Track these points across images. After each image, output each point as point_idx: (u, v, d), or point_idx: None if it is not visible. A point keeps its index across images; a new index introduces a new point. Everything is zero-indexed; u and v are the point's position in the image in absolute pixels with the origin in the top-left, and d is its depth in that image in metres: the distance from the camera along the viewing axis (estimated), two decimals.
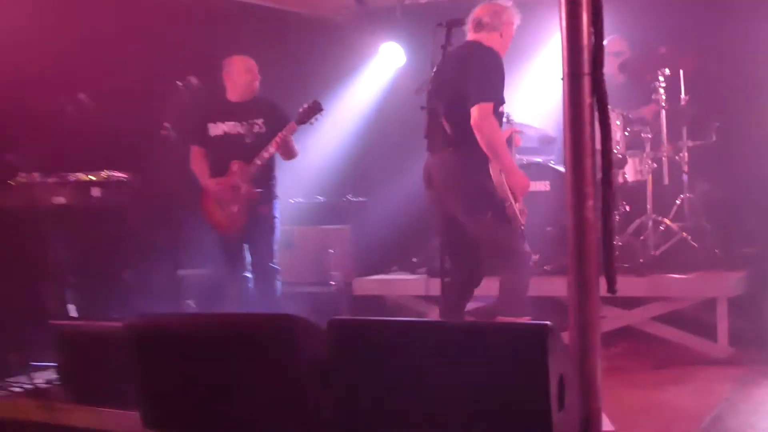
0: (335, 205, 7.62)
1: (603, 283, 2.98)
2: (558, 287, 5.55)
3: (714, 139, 6.21)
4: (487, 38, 4.73)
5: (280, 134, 5.78)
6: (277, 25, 7.73)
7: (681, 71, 6.19)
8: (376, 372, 2.39)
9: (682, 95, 6.21)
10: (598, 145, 2.92)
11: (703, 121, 6.23)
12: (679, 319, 5.39)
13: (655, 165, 5.99)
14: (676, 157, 6.28)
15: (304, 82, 7.62)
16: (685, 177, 6.24)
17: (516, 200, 4.62)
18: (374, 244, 7.30)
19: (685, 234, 5.85)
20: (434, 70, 4.74)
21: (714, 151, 6.26)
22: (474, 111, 4.44)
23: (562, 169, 5.92)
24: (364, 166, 8.03)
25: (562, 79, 2.99)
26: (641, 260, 5.59)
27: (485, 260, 4.84)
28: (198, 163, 6.09)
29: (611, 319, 5.40)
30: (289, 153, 5.94)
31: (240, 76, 6.00)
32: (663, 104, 5.92)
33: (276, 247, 6.14)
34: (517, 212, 4.62)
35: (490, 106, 4.49)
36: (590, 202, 3.01)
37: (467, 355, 2.32)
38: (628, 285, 5.34)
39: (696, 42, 6.40)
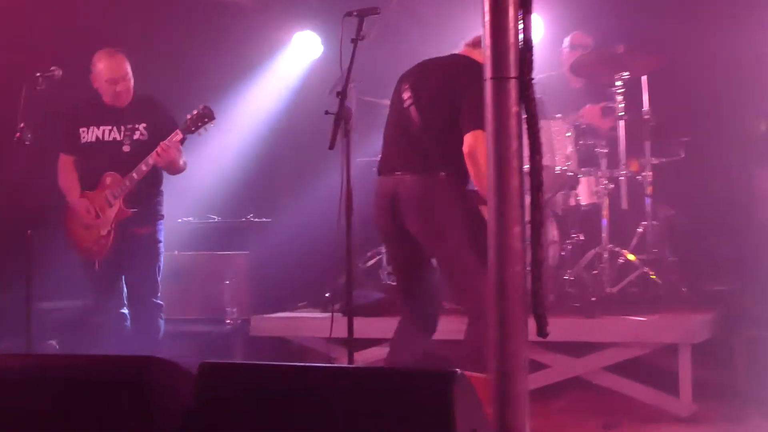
0: (233, 226, 7.65)
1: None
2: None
3: (682, 156, 6.44)
4: (479, 56, 4.88)
5: (162, 144, 5.80)
6: (170, 8, 7.77)
7: (643, 77, 6.41)
8: (249, 422, 2.45)
9: (645, 104, 6.43)
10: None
11: (669, 134, 6.46)
12: (636, 370, 5.55)
13: (612, 186, 6.17)
14: (638, 177, 6.48)
15: (203, 77, 7.67)
16: (648, 200, 6.45)
17: None
18: (279, 275, 7.34)
19: (646, 269, 6.04)
20: (409, 76, 4.90)
21: (682, 170, 6.50)
22: (469, 138, 4.58)
23: None
24: (269, 181, 8.10)
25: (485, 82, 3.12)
26: (593, 299, 5.75)
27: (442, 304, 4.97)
28: (66, 175, 6.09)
29: (556, 368, 5.54)
30: (172, 166, 5.95)
31: (104, 74, 5.99)
32: (621, 113, 6.11)
33: (159, 277, 6.14)
34: None
35: (483, 135, 4.61)
36: (516, 229, 3.11)
37: (358, 404, 2.40)
38: (576, 328, 5.50)
39: (663, 42, 6.66)
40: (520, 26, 3.09)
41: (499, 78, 3.11)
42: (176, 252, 7.31)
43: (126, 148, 5.96)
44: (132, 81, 6.08)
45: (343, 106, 4.06)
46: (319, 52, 8.16)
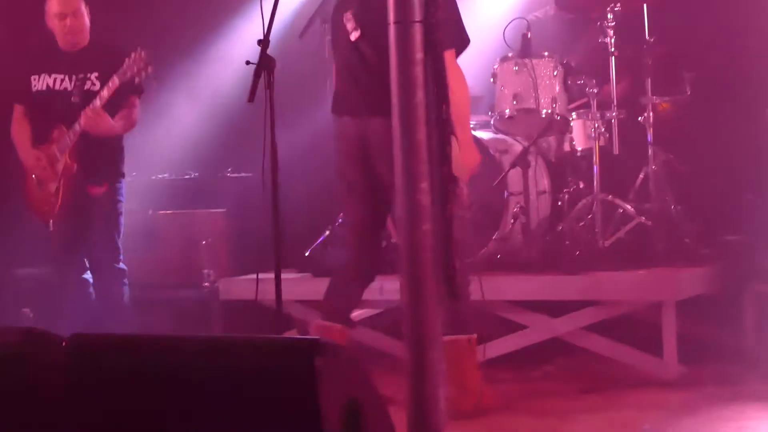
0: (210, 182, 7.70)
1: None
2: (521, 287, 5.75)
3: (688, 93, 6.40)
4: None
5: (86, 109, 5.81)
6: None
7: (644, 5, 6.37)
8: (119, 394, 2.56)
9: (646, 36, 6.39)
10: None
11: (672, 70, 6.42)
12: (623, 330, 5.59)
13: (603, 129, 6.16)
14: (639, 119, 6.46)
15: (172, 19, 7.75)
16: (649, 144, 6.43)
17: (465, 181, 4.77)
18: (259, 234, 7.40)
19: (643, 219, 6.05)
20: (354, 5, 4.81)
21: (686, 109, 6.47)
22: None
23: (480, 135, 6.12)
24: (246, 133, 8.14)
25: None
26: (578, 253, 5.78)
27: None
28: (17, 126, 6.18)
29: (533, 328, 5.61)
30: (103, 128, 5.93)
31: (53, 8, 6.02)
32: (612, 50, 6.09)
33: (119, 240, 6.22)
34: (465, 194, 4.78)
35: (454, 53, 4.63)
36: (423, 184, 3.17)
37: (226, 374, 2.50)
38: (555, 286, 5.55)
39: None
40: None
41: (402, 22, 3.15)
42: (150, 211, 7.41)
43: (75, 99, 5.95)
44: (86, 20, 6.07)
45: (265, 55, 4.08)
46: None
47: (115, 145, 6.15)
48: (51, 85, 6.06)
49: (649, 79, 6.45)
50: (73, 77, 6.01)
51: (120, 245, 6.21)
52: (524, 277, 5.72)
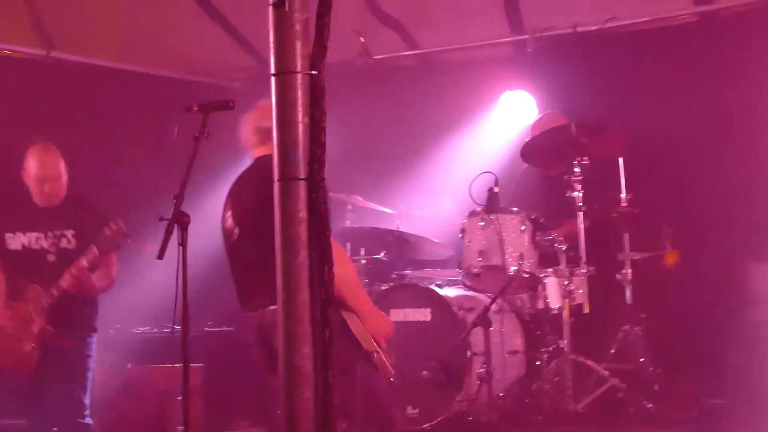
0: (190, 336, 7.69)
1: None
2: None
3: (668, 249, 6.33)
4: None
5: (70, 272, 5.81)
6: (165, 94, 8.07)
7: (620, 159, 6.35)
8: None
9: (622, 190, 6.35)
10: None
11: (651, 226, 6.36)
12: None
13: (572, 287, 6.06)
14: (617, 276, 6.38)
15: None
16: (628, 301, 6.33)
17: (382, 348, 4.71)
18: (234, 389, 7.40)
19: (617, 381, 5.90)
20: (227, 200, 4.85)
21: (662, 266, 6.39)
22: None
23: (444, 293, 6.06)
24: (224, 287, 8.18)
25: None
26: (540, 417, 5.64)
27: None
28: None
29: None
30: (86, 289, 5.94)
31: (33, 172, 6.09)
32: (580, 204, 6.04)
33: (86, 396, 6.18)
34: (386, 362, 4.70)
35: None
36: (305, 349, 3.10)
37: None
38: None
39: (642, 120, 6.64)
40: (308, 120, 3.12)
41: (287, 180, 3.11)
42: (129, 365, 7.39)
43: (51, 258, 6.00)
44: (64, 180, 6.15)
45: (179, 212, 4.05)
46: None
47: (90, 303, 6.14)
48: (26, 243, 6.10)
49: (627, 235, 6.39)
50: (49, 234, 6.05)
51: (85, 401, 6.16)
52: None
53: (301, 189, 3.07)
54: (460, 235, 6.24)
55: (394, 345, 6.07)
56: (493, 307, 6.34)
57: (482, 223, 6.07)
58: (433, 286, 6.25)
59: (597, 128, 6.27)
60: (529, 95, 8.08)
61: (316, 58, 3.11)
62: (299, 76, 3.11)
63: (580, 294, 6.25)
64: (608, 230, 6.50)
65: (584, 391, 5.98)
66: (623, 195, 6.37)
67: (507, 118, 7.98)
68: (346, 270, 4.58)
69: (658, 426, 5.80)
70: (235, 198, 4.87)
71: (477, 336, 5.89)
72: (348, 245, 7.13)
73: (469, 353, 5.82)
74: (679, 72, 7.13)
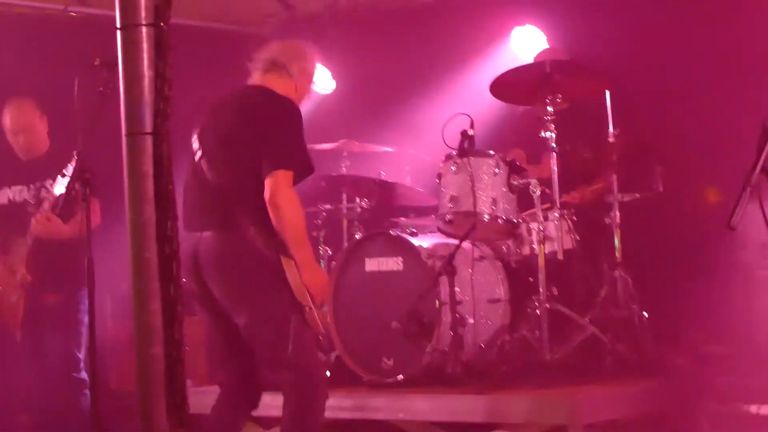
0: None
1: None
2: (418, 408, 5.71)
3: (660, 190, 6.25)
4: (279, 85, 4.98)
5: (36, 215, 6.03)
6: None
7: (607, 93, 6.29)
8: None
9: (611, 128, 6.29)
10: None
11: (641, 164, 6.30)
12: None
13: (545, 233, 6.05)
14: (606, 220, 6.34)
15: None
16: (617, 246, 6.30)
17: (315, 305, 4.80)
18: None
19: (596, 330, 5.90)
20: (199, 123, 5.01)
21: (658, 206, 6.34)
22: (269, 181, 4.66)
23: (418, 242, 6.10)
24: None
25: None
26: (504, 368, 5.68)
27: (265, 374, 5.02)
28: None
29: None
30: (55, 233, 6.14)
31: (7, 126, 6.36)
32: (553, 145, 6.01)
33: (80, 351, 6.40)
34: (317, 319, 4.80)
35: (290, 175, 4.70)
36: (154, 305, 3.20)
37: None
38: (454, 406, 5.56)
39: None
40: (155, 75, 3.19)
41: (133, 134, 3.19)
42: None
43: (31, 209, 6.26)
44: (41, 131, 6.38)
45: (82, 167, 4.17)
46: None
47: (70, 253, 6.30)
48: (11, 197, 6.38)
49: (615, 176, 6.34)
50: (31, 187, 6.28)
51: (80, 355, 6.38)
52: (426, 396, 5.67)
53: (147, 144, 3.15)
54: (437, 180, 6.25)
55: (367, 295, 6.24)
56: (476, 254, 6.39)
57: (454, 168, 6.07)
58: (405, 234, 6.28)
59: (572, 66, 6.22)
60: (539, 31, 8.03)
61: (161, 9, 3.17)
62: (144, 29, 3.16)
63: (576, 239, 6.26)
64: (594, 172, 6.48)
65: (564, 341, 5.98)
66: (610, 130, 6.30)
67: (517, 56, 7.93)
68: (294, 218, 4.69)
69: (633, 375, 5.80)
70: (206, 122, 5.04)
71: (454, 284, 5.92)
72: (344, 195, 7.21)
73: (437, 303, 5.86)
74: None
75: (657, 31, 7.21)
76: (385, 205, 7.27)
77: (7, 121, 6.40)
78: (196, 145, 4.96)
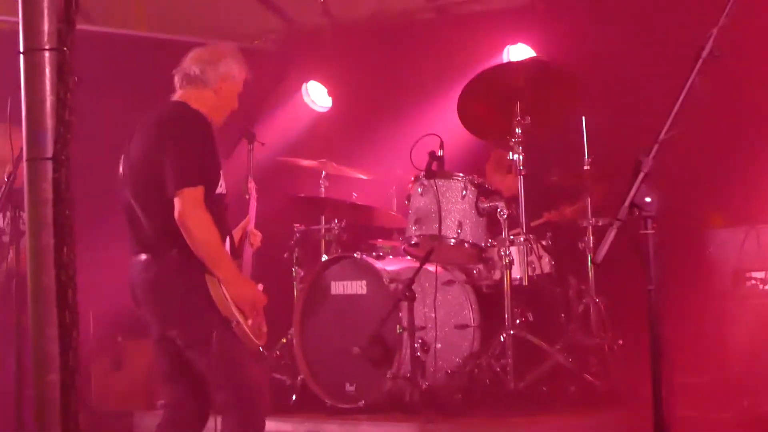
0: None
1: None
2: None
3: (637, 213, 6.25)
4: (195, 97, 4.99)
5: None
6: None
7: (582, 117, 6.32)
8: None
9: (585, 155, 6.33)
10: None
11: (615, 189, 6.32)
12: None
13: (510, 258, 6.07)
14: (580, 244, 6.37)
15: None
16: (590, 272, 6.32)
17: (247, 316, 4.84)
18: None
19: (560, 358, 5.93)
20: (126, 143, 5.04)
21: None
22: (176, 202, 4.68)
23: (383, 266, 6.15)
24: None
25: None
26: (459, 396, 5.71)
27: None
28: None
29: None
30: None
31: None
32: (520, 167, 6.06)
33: None
34: (248, 332, 4.83)
35: (199, 192, 4.73)
36: (50, 330, 3.25)
37: None
38: None
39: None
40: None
41: (33, 159, 3.26)
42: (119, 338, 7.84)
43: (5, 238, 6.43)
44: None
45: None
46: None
47: None
48: None
49: (589, 200, 6.38)
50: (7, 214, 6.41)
51: None
52: (373, 423, 5.73)
53: (48, 169, 3.22)
54: (406, 201, 6.28)
55: (333, 319, 6.28)
56: (446, 278, 6.42)
57: (420, 189, 6.11)
58: (370, 258, 6.32)
59: (542, 73, 6.29)
60: (530, 49, 8.07)
61: (63, 34, 3.24)
62: (46, 53, 3.23)
63: (550, 263, 6.30)
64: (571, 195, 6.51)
65: (531, 368, 6.00)
66: (585, 157, 6.35)
67: None
68: (206, 236, 4.70)
69: (592, 406, 5.81)
70: (129, 142, 5.02)
71: (417, 310, 5.95)
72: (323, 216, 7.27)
73: (399, 328, 5.88)
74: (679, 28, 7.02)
75: (647, 52, 7.23)
76: (363, 226, 7.33)
77: None
78: (120, 170, 5.01)
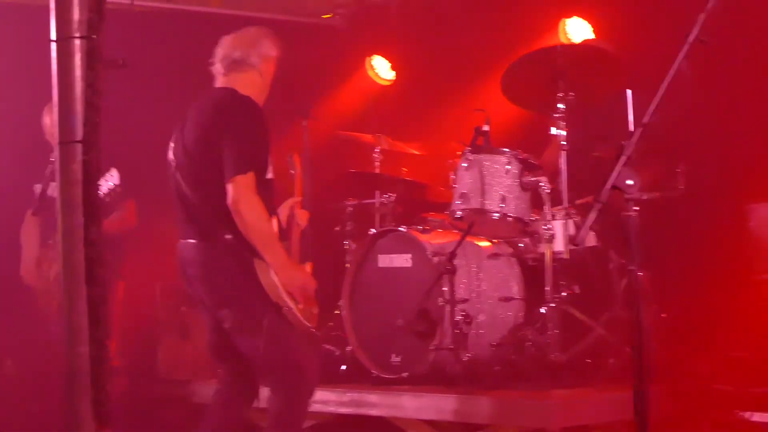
0: None
1: None
2: (406, 405, 5.91)
3: (682, 188, 6.29)
4: (242, 82, 5.14)
5: None
6: None
7: (628, 91, 6.32)
8: None
9: (630, 124, 6.33)
10: None
11: (661, 163, 6.34)
12: None
13: (552, 232, 6.13)
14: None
15: None
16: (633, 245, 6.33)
17: (298, 301, 5.00)
18: None
19: (601, 330, 5.98)
20: (173, 131, 5.24)
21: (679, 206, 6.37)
22: (229, 188, 4.87)
23: (425, 239, 6.26)
24: None
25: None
26: (497, 368, 5.80)
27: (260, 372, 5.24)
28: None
29: None
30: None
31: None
32: (563, 143, 6.10)
33: (110, 339, 6.82)
34: (300, 317, 4.99)
35: (250, 178, 4.90)
36: (81, 305, 3.42)
37: None
38: (444, 406, 5.74)
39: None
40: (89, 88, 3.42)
41: (65, 142, 3.43)
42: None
43: None
44: None
45: None
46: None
47: (111, 245, 6.61)
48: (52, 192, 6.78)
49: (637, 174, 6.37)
50: None
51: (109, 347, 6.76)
52: (414, 395, 5.87)
53: (78, 151, 3.38)
54: (452, 176, 6.38)
55: (380, 291, 6.41)
56: (492, 251, 6.51)
57: (465, 164, 6.20)
58: (415, 231, 6.43)
59: (583, 53, 6.33)
60: (586, 23, 8.09)
61: (93, 22, 3.40)
62: (77, 41, 3.39)
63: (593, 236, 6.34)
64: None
65: (574, 341, 6.06)
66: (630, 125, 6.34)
67: None
68: (257, 222, 4.87)
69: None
70: (178, 129, 5.25)
71: (455, 282, 6.04)
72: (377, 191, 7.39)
73: (440, 300, 5.99)
74: None
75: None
76: (417, 200, 7.44)
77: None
78: (171, 155, 5.19)
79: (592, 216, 3.39)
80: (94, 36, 3.41)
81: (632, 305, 3.54)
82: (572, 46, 6.47)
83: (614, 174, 3.35)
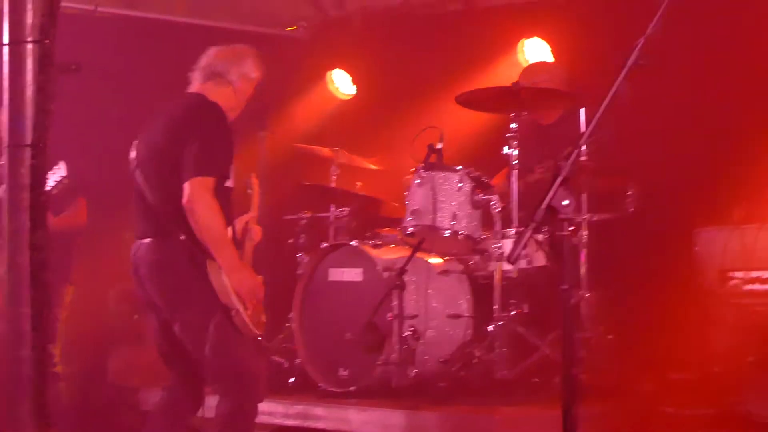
0: None
1: None
2: (352, 419, 5.94)
3: (631, 210, 6.36)
4: (214, 93, 5.18)
5: None
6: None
7: (581, 110, 6.39)
8: None
9: (582, 147, 6.40)
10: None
11: (611, 185, 6.41)
12: None
13: (502, 250, 6.17)
14: (573, 240, 6.46)
15: None
16: (582, 268, 6.41)
17: (246, 306, 5.00)
18: None
19: (547, 351, 6.03)
20: (144, 128, 5.26)
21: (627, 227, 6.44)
22: (186, 187, 4.88)
23: (378, 254, 6.29)
24: None
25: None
26: (442, 385, 5.84)
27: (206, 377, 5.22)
28: None
29: None
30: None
31: None
32: (513, 162, 6.18)
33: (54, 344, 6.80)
34: (248, 321, 4.99)
35: (209, 181, 4.91)
36: (25, 309, 3.43)
37: None
38: (387, 420, 5.76)
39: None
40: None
41: (14, 146, 3.44)
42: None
43: None
44: None
45: None
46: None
47: (59, 248, 6.56)
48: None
49: (585, 196, 6.46)
50: None
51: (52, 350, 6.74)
52: (359, 408, 5.90)
53: (27, 155, 3.39)
54: (405, 192, 6.41)
55: (331, 305, 6.44)
56: (442, 268, 6.55)
57: (418, 181, 6.24)
58: (366, 246, 6.47)
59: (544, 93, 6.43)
60: (545, 43, 8.17)
61: (46, 27, 3.41)
62: (29, 45, 3.40)
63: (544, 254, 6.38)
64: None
65: (521, 360, 6.11)
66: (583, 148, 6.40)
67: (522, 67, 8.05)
68: (211, 222, 4.88)
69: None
70: (144, 130, 5.27)
71: (404, 297, 6.07)
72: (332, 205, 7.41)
73: (389, 315, 6.01)
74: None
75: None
76: (372, 216, 7.48)
77: None
78: (132, 154, 5.20)
79: (527, 235, 3.41)
80: (47, 40, 3.42)
81: (564, 325, 3.54)
82: (527, 90, 6.45)
83: (550, 194, 3.37)
